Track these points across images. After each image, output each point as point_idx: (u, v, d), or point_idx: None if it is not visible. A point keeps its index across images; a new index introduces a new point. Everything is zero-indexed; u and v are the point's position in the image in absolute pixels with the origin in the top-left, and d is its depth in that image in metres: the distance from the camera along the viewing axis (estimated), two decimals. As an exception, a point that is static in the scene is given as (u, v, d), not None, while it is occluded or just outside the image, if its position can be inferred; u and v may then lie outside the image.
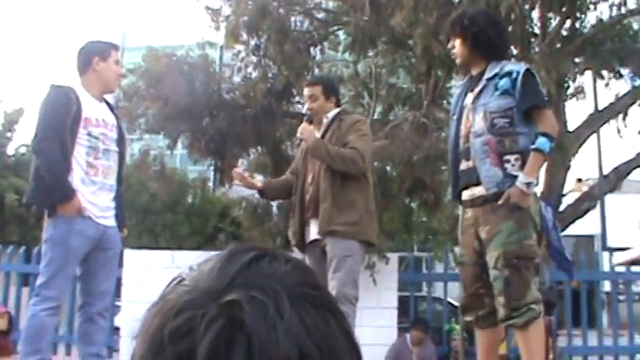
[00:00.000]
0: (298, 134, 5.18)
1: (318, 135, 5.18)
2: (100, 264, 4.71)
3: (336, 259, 4.93)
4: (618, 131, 12.07)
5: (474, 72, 4.53)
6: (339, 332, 0.78)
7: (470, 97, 4.45)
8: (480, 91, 4.35)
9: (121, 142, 4.88)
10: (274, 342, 0.72)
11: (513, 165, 4.21)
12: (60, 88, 4.64)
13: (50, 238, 4.55)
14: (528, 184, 4.13)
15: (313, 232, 5.11)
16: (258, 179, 5.50)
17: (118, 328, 9.20)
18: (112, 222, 4.76)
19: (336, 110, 5.36)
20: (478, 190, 4.30)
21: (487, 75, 4.37)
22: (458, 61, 4.63)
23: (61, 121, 4.50)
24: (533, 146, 4.17)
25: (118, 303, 9.08)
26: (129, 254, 8.95)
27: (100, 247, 4.67)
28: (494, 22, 4.58)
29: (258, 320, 0.72)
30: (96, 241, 4.63)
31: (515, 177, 4.15)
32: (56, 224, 4.53)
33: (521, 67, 4.40)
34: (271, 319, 0.73)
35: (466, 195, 4.41)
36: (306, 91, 5.43)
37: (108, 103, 4.98)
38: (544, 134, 4.19)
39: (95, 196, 4.63)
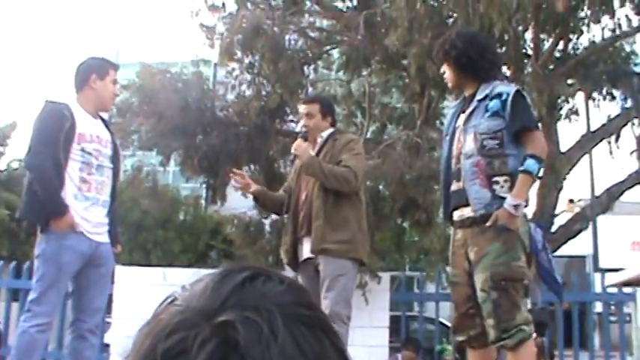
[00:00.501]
0: (293, 150, 5.18)
1: (312, 152, 5.19)
2: (93, 280, 4.70)
3: (329, 278, 4.92)
4: (610, 152, 12.12)
5: (467, 93, 4.56)
6: (332, 352, 0.78)
7: (462, 118, 4.46)
8: (471, 113, 4.37)
9: (115, 158, 4.88)
10: None
11: (502, 187, 4.21)
12: (54, 104, 4.65)
13: (42, 253, 4.53)
14: (516, 206, 4.14)
15: (306, 250, 5.11)
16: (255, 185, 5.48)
17: (108, 345, 9.15)
18: (105, 238, 4.75)
19: (331, 130, 5.37)
20: (467, 212, 4.31)
21: (478, 96, 4.39)
22: (449, 85, 4.67)
23: (54, 136, 4.50)
24: (521, 168, 4.18)
25: (108, 320, 9.03)
26: (120, 271, 8.91)
27: (92, 264, 4.66)
28: (476, 43, 4.58)
29: (252, 341, 0.72)
30: (88, 257, 4.61)
31: (504, 199, 4.16)
32: (48, 240, 4.52)
33: (512, 88, 4.41)
34: (265, 339, 0.72)
35: (456, 216, 4.42)
36: (304, 108, 5.43)
37: (103, 120, 4.98)
38: (533, 156, 4.20)
39: (88, 211, 4.62)
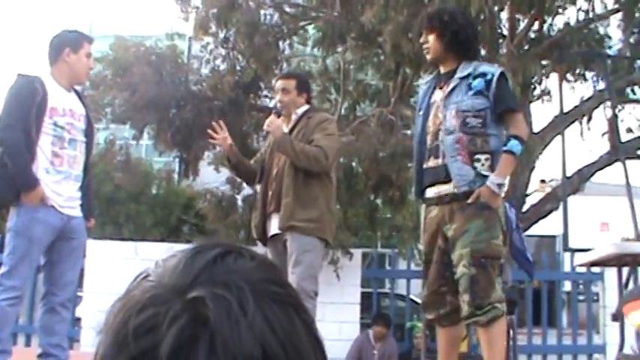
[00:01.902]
0: (265, 126, 5.15)
1: (285, 129, 5.18)
2: (65, 254, 4.68)
3: (296, 254, 4.94)
4: (581, 134, 12.22)
5: (443, 69, 4.54)
6: (303, 329, 0.78)
7: (439, 94, 4.45)
8: (452, 90, 4.35)
9: (88, 132, 4.84)
10: (237, 339, 0.72)
11: (483, 165, 4.23)
12: (26, 77, 4.60)
13: (14, 227, 4.51)
14: (499, 185, 4.17)
15: (274, 226, 5.11)
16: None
17: (79, 319, 9.14)
18: (77, 212, 4.72)
19: (306, 107, 5.36)
20: (445, 188, 4.31)
21: (460, 74, 4.37)
22: (429, 56, 4.59)
23: (25, 110, 4.46)
24: (505, 148, 4.20)
25: (80, 294, 9.01)
26: (92, 245, 8.87)
27: (64, 237, 4.63)
28: (472, 22, 4.61)
29: (222, 317, 0.72)
30: (59, 230, 4.59)
31: (485, 177, 4.17)
32: (19, 213, 4.49)
33: (496, 69, 4.42)
34: (234, 315, 0.72)
35: (432, 192, 4.41)
36: (280, 83, 5.41)
37: (77, 93, 4.94)
38: (516, 137, 4.23)
39: (60, 185, 4.59)
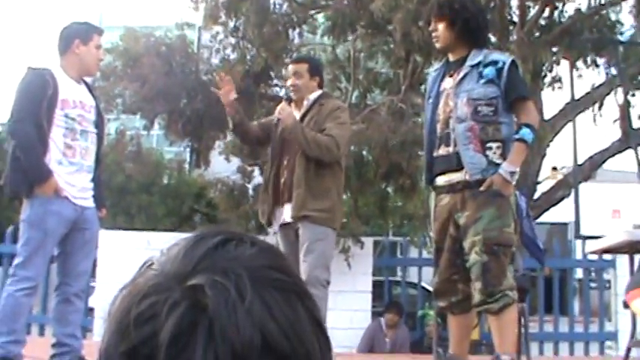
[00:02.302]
0: (277, 113, 5.12)
1: (297, 117, 5.16)
2: (78, 244, 4.71)
3: (308, 243, 4.93)
4: (594, 120, 12.18)
5: (452, 58, 4.52)
6: (305, 316, 0.78)
7: (449, 82, 4.43)
8: (463, 78, 4.34)
9: (99, 123, 4.86)
10: (235, 325, 0.72)
11: (495, 153, 4.23)
12: (36, 70, 4.62)
13: (27, 218, 4.54)
14: (512, 173, 4.17)
15: (287, 214, 5.09)
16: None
17: (92, 309, 9.18)
18: (89, 203, 4.75)
19: (318, 93, 5.30)
20: (457, 176, 4.30)
21: (470, 62, 4.36)
22: (439, 44, 4.57)
23: (36, 102, 4.49)
24: (517, 136, 4.20)
25: (92, 284, 9.05)
26: (104, 235, 8.90)
27: (77, 228, 4.66)
28: (481, 10, 4.59)
29: (220, 304, 0.73)
30: (73, 221, 4.62)
31: (498, 165, 4.17)
32: (33, 205, 4.52)
33: (507, 57, 4.42)
34: (232, 302, 0.73)
35: (443, 180, 4.41)
36: (292, 67, 5.37)
37: (87, 84, 4.95)
38: (528, 125, 4.23)
39: (72, 176, 4.62)
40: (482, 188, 4.16)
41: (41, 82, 4.54)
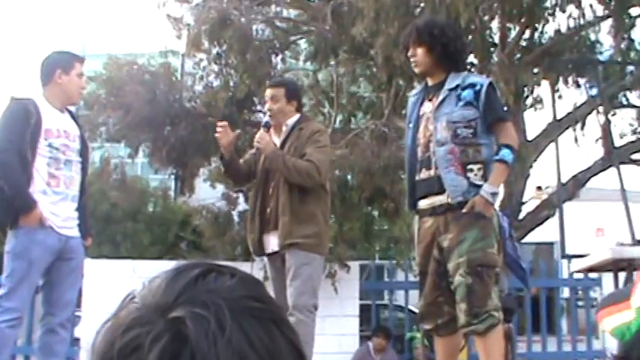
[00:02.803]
0: (255, 142, 5.09)
1: (277, 143, 5.16)
2: (64, 274, 4.69)
3: (294, 268, 4.92)
4: (576, 140, 12.26)
5: (431, 82, 4.56)
6: (284, 344, 0.80)
7: (428, 106, 4.47)
8: (442, 102, 4.38)
9: (83, 152, 4.86)
10: (216, 356, 0.73)
11: (476, 174, 4.26)
12: (19, 101, 4.63)
13: (12, 249, 4.52)
14: (493, 194, 4.20)
15: (273, 243, 5.07)
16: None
17: (78, 339, 9.11)
18: (75, 232, 4.74)
19: (297, 117, 5.29)
20: (439, 199, 4.33)
21: (448, 85, 4.40)
22: (417, 69, 4.61)
23: (20, 133, 4.49)
24: (497, 157, 4.23)
25: (78, 313, 8.99)
26: (90, 264, 8.86)
27: (63, 257, 4.65)
28: (459, 35, 4.63)
29: (200, 336, 0.74)
30: (58, 251, 4.61)
31: (479, 186, 4.20)
32: (17, 235, 4.51)
33: (485, 80, 4.46)
34: (212, 333, 0.75)
35: (425, 204, 4.43)
36: (269, 92, 5.35)
37: (71, 113, 4.95)
38: (507, 146, 4.27)
39: (57, 206, 4.61)
40: (464, 210, 4.19)
41: (24, 112, 4.54)
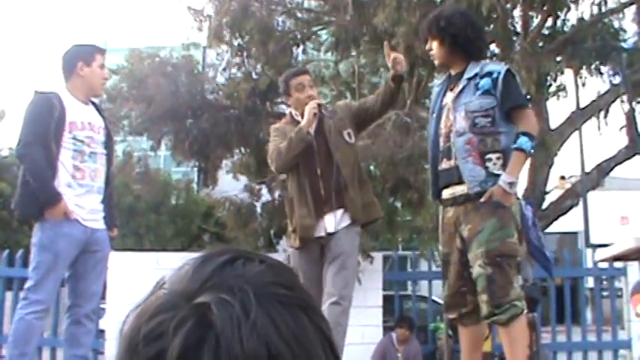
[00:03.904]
0: (312, 109, 4.94)
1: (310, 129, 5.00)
2: (90, 265, 4.73)
3: (344, 257, 4.88)
4: (599, 129, 12.17)
5: (453, 71, 4.56)
6: (312, 330, 0.80)
7: (450, 96, 4.46)
8: (461, 91, 4.37)
9: (108, 143, 4.89)
10: (239, 340, 0.73)
11: (495, 164, 4.24)
12: (43, 94, 4.66)
13: (38, 242, 4.56)
14: (511, 184, 4.17)
15: (329, 224, 4.96)
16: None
17: (103, 331, 9.17)
18: (100, 224, 4.77)
19: None
20: (460, 189, 4.32)
21: (467, 75, 4.39)
22: (436, 62, 4.64)
23: (44, 126, 4.52)
24: (515, 145, 4.20)
25: (102, 305, 9.05)
26: (114, 256, 8.87)
27: (88, 250, 4.69)
28: (472, 22, 4.58)
29: (225, 320, 0.74)
30: (84, 243, 4.64)
31: (497, 176, 4.18)
32: (44, 228, 4.54)
33: (502, 67, 4.43)
34: (237, 318, 0.75)
35: (447, 194, 4.43)
36: (308, 78, 5.26)
37: (95, 105, 4.98)
38: (525, 134, 4.23)
39: (82, 199, 4.64)
40: (482, 200, 4.17)
41: (48, 106, 4.57)
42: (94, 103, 4.97)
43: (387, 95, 5.05)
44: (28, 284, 4.57)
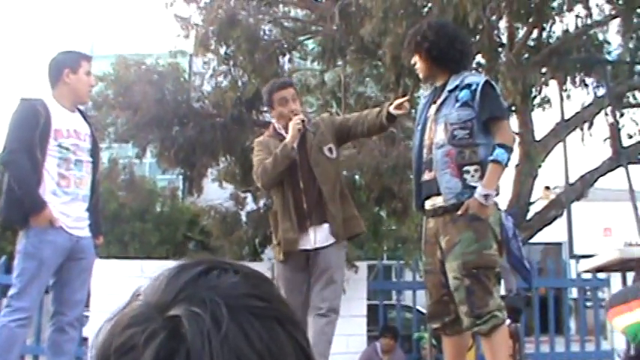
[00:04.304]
0: (297, 124, 4.94)
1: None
2: (75, 273, 4.72)
3: (332, 270, 4.90)
4: (582, 140, 12.24)
5: (438, 84, 4.58)
6: (287, 342, 0.79)
7: (433, 108, 4.49)
8: (442, 103, 4.40)
9: (94, 151, 4.88)
10: (210, 355, 0.73)
11: (473, 176, 4.25)
12: (28, 101, 4.65)
13: (23, 249, 4.55)
14: (486, 196, 4.18)
15: (317, 238, 4.96)
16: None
17: (86, 339, 9.13)
18: (85, 232, 4.77)
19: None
20: (439, 201, 4.35)
21: (448, 87, 4.42)
22: (420, 76, 4.69)
23: (29, 134, 4.52)
24: (490, 157, 4.22)
25: (86, 313, 9.00)
26: (98, 264, 8.82)
27: (73, 257, 4.67)
28: (446, 33, 4.56)
29: (195, 334, 0.74)
30: (69, 251, 4.63)
31: (475, 188, 4.20)
32: (28, 235, 4.53)
33: (481, 78, 4.44)
34: (208, 331, 0.74)
35: (428, 205, 4.46)
36: (291, 91, 5.23)
37: (81, 112, 4.97)
38: (502, 145, 4.24)
39: (67, 206, 4.63)
40: (459, 213, 4.19)
41: (33, 113, 4.56)
42: (80, 111, 4.96)
43: (375, 127, 5.08)
44: (11, 291, 4.55)
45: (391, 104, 4.94)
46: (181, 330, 0.74)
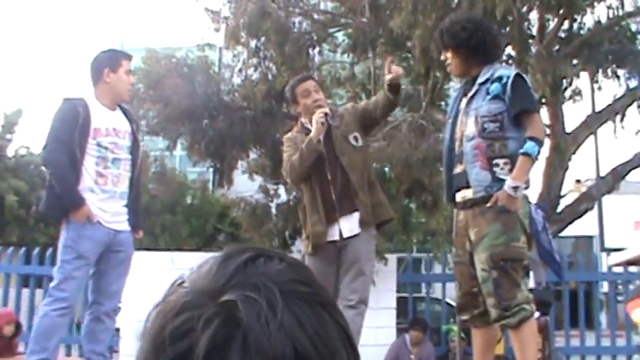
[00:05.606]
0: (320, 118, 4.96)
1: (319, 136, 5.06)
2: (112, 264, 4.86)
3: (361, 262, 4.92)
4: (614, 132, 12.13)
5: (470, 77, 4.58)
6: (333, 327, 0.81)
7: (464, 101, 4.50)
8: (473, 96, 4.40)
9: (134, 148, 4.97)
10: (268, 338, 0.75)
11: (502, 169, 4.25)
12: (69, 101, 4.81)
13: (63, 243, 4.73)
14: (516, 188, 4.17)
15: (346, 228, 4.97)
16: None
17: (118, 329, 9.22)
18: (124, 226, 4.90)
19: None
20: (469, 193, 4.35)
21: (480, 80, 4.41)
22: (454, 72, 4.69)
23: (68, 133, 4.66)
24: (521, 150, 4.21)
25: (119, 304, 9.09)
26: (129, 255, 8.96)
27: (112, 249, 4.84)
28: (475, 28, 4.54)
29: (253, 318, 0.76)
30: (106, 244, 4.79)
31: (504, 181, 4.19)
32: (68, 230, 4.71)
33: (512, 71, 4.43)
34: (265, 316, 0.76)
35: (459, 197, 4.47)
36: (314, 84, 5.29)
37: (123, 110, 5.06)
38: (532, 138, 4.23)
39: (105, 203, 4.79)
40: (488, 205, 4.19)
41: (73, 113, 4.71)
42: (122, 108, 5.05)
43: (384, 103, 5.05)
44: (52, 282, 4.71)
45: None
46: (237, 315, 0.76)
